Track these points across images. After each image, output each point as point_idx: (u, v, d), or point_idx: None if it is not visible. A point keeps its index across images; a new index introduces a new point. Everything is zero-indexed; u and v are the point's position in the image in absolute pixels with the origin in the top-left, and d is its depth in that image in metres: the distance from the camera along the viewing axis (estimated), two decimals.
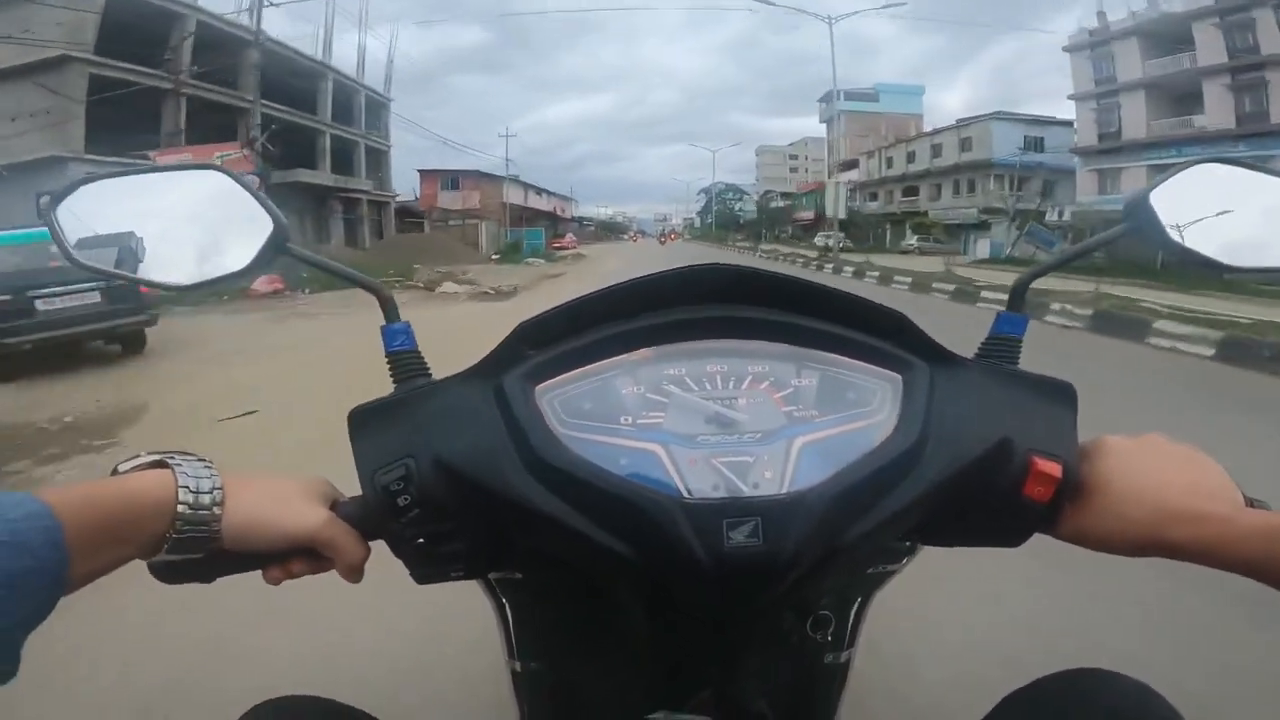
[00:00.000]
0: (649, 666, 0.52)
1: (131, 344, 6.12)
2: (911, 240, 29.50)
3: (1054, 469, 0.44)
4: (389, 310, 0.51)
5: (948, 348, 0.49)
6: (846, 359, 0.49)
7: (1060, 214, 25.32)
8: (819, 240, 47.28)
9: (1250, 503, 0.42)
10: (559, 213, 49.94)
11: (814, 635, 0.52)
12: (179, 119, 16.87)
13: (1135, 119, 24.28)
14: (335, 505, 0.45)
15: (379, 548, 0.45)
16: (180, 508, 0.38)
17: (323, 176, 21.40)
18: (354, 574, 0.44)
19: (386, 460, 0.44)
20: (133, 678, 1.58)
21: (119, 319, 5.79)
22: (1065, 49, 27.15)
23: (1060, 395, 0.48)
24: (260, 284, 10.72)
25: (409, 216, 29.70)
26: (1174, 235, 0.49)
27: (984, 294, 9.43)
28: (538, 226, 39.12)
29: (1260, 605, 0.48)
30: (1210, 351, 5.54)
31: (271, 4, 15.84)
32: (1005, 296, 0.52)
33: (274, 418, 3.91)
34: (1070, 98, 27.03)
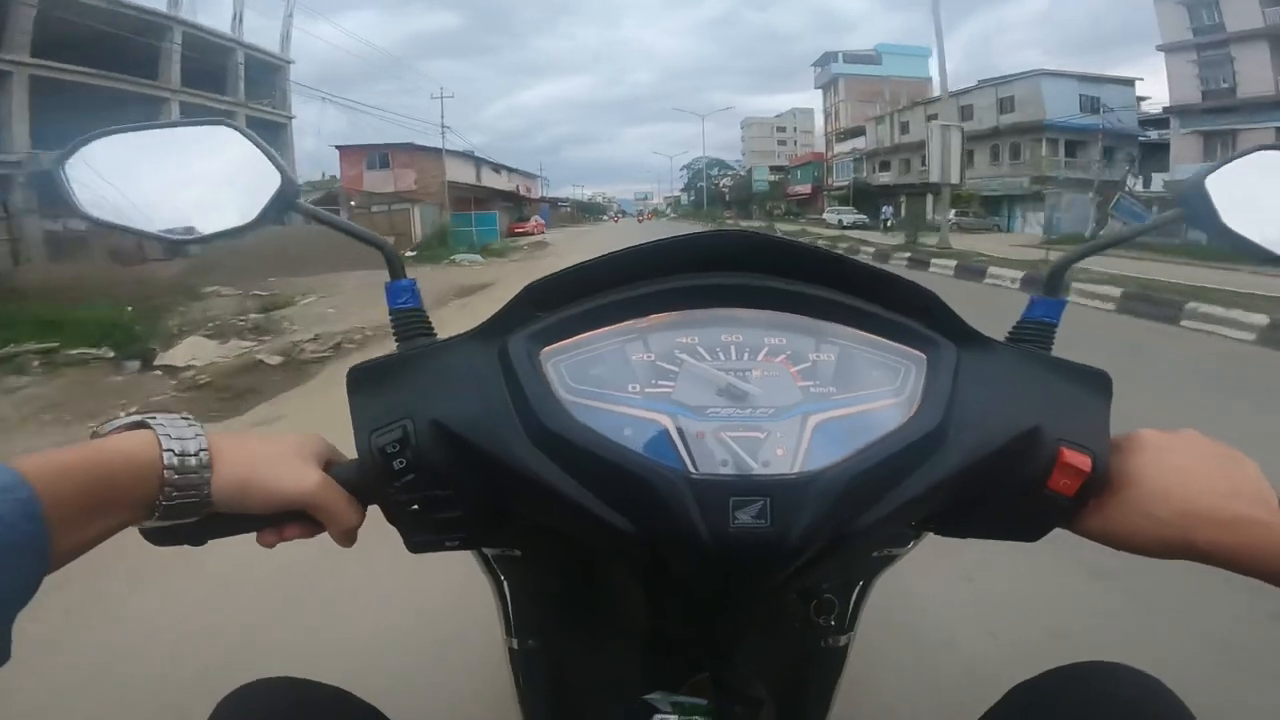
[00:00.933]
0: (646, 647, 0.53)
1: None
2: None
3: (1083, 461, 0.42)
4: (394, 266, 0.51)
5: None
6: (869, 335, 0.48)
7: (1145, 183, 23.38)
8: (829, 216, 38.78)
9: None
10: (523, 192, 41.71)
11: (816, 619, 0.53)
12: None
13: (1256, 73, 21.65)
14: (330, 466, 0.45)
15: (374, 518, 0.45)
16: (167, 472, 0.37)
17: None
18: (346, 539, 0.45)
19: (384, 421, 0.43)
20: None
21: None
22: None
23: (1094, 384, 0.47)
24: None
25: (327, 206, 21.75)
26: (1229, 223, 0.49)
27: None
28: (493, 209, 30.71)
29: (1267, 598, 0.51)
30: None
31: None
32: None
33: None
34: (1160, 48, 24.47)
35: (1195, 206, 0.49)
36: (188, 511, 0.39)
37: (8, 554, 0.31)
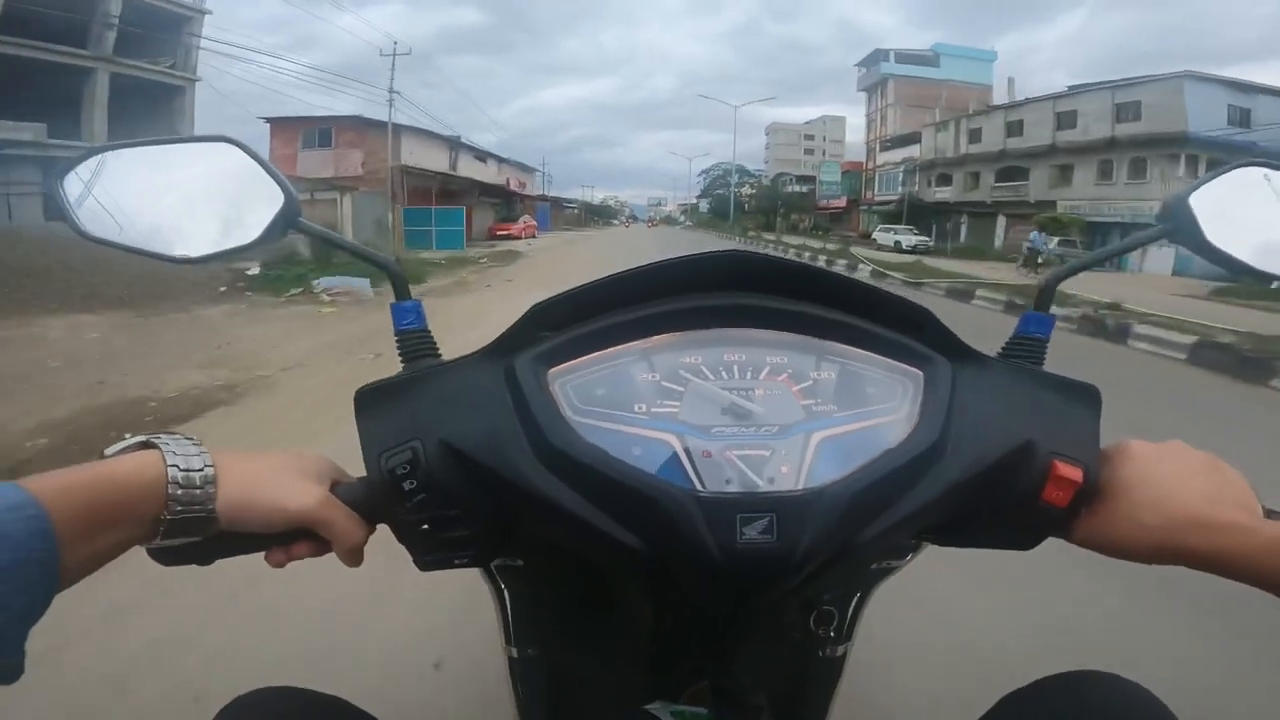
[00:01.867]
0: (646, 657, 0.56)
1: None
2: (1047, 243, 20.56)
3: (1075, 473, 0.45)
4: (399, 287, 0.54)
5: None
6: (867, 353, 0.51)
7: None
8: (881, 236, 30.22)
9: (1270, 514, 0.44)
10: (514, 187, 33.86)
11: (816, 630, 0.56)
12: None
13: None
14: (335, 485, 0.47)
15: (377, 532, 0.48)
16: (171, 488, 0.40)
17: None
18: (352, 557, 0.47)
19: (393, 442, 0.46)
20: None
21: None
22: None
23: (1084, 398, 0.50)
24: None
25: None
26: (1213, 239, 0.50)
27: None
28: (470, 204, 23.41)
29: (1259, 608, 0.55)
30: None
31: None
32: None
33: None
34: None
35: (1179, 223, 0.51)
36: (193, 528, 0.41)
37: (20, 571, 0.32)
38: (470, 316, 7.38)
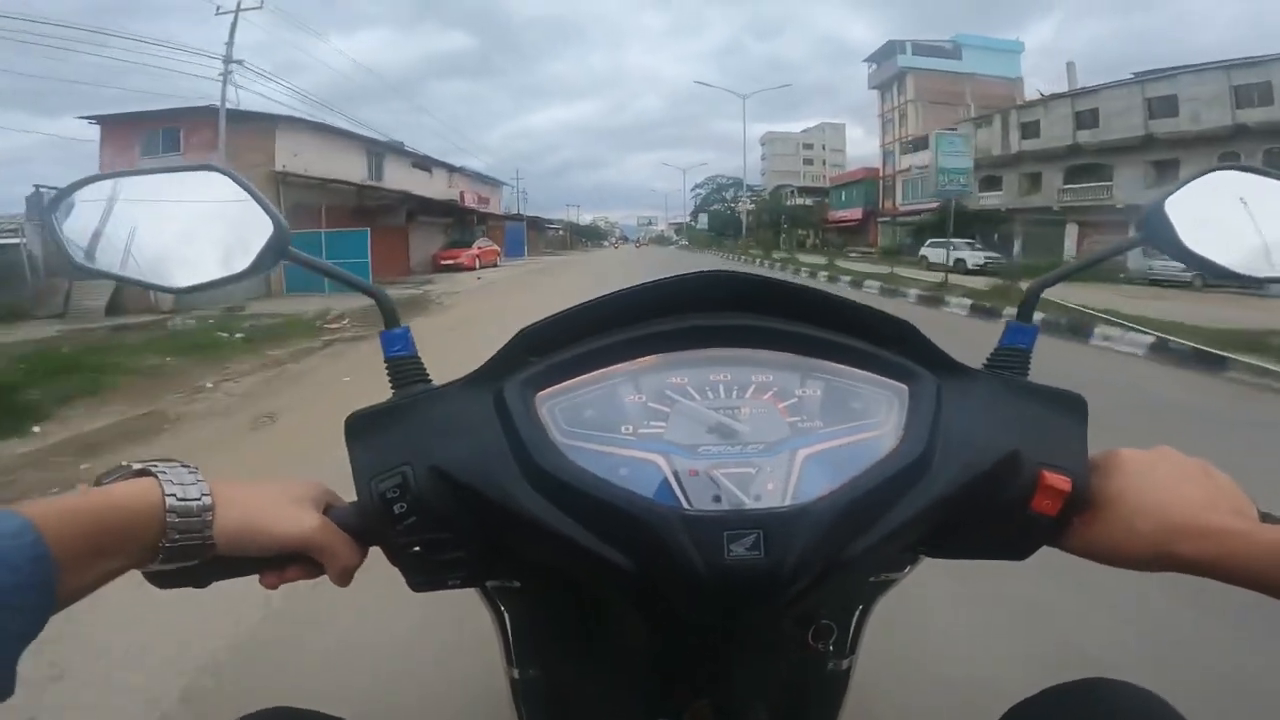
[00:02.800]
0: (647, 675, 0.58)
1: None
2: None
3: (1063, 483, 0.47)
4: (388, 315, 0.57)
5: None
6: (852, 369, 0.54)
7: None
8: (932, 253, 23.06)
9: (1264, 517, 0.46)
10: (473, 203, 27.12)
11: (815, 644, 0.58)
12: None
13: None
14: (330, 510, 0.51)
15: (374, 554, 0.51)
16: (169, 516, 0.42)
17: None
18: (344, 579, 0.51)
19: (384, 467, 0.48)
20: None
21: None
22: None
23: (1071, 407, 0.53)
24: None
25: None
26: (1189, 243, 0.53)
27: None
28: (388, 224, 18.43)
29: (1268, 614, 0.57)
30: None
31: None
32: None
33: None
34: None
35: (1156, 229, 0.54)
36: (189, 555, 0.44)
37: (15, 595, 0.34)
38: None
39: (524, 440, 0.46)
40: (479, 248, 27.40)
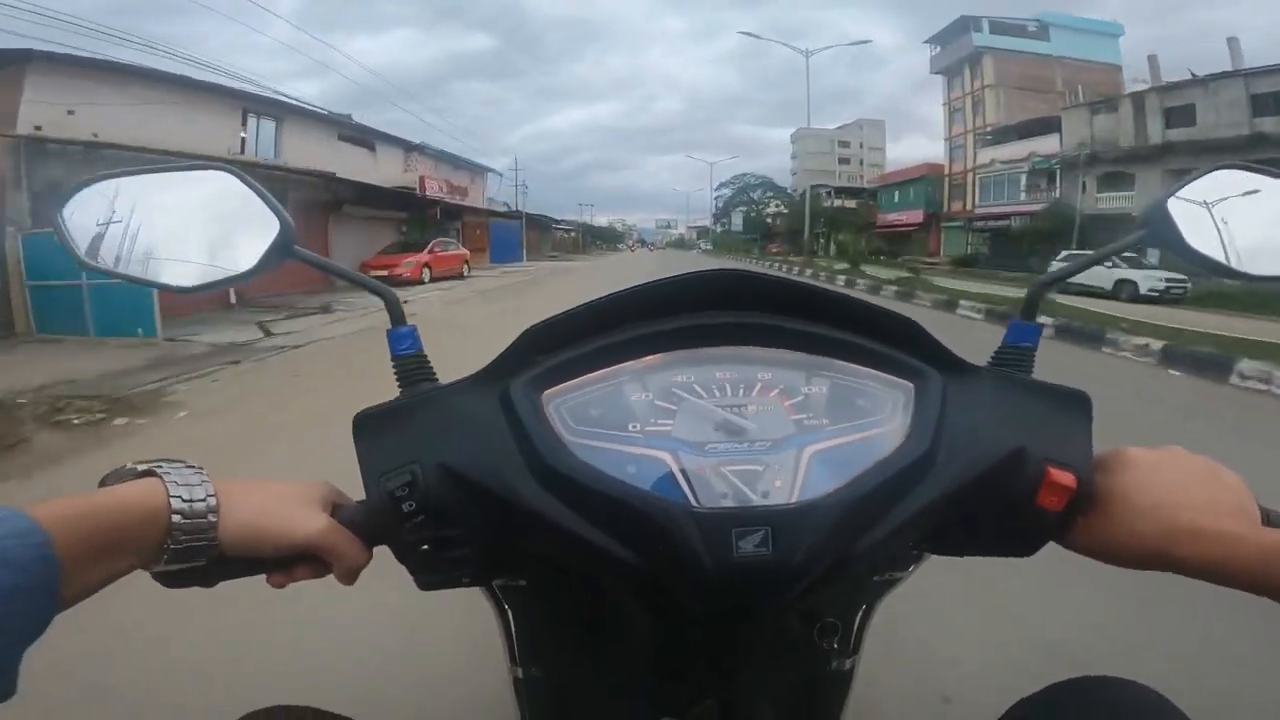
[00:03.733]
0: (652, 674, 0.60)
1: None
2: None
3: (1068, 479, 0.48)
4: (394, 314, 0.60)
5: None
6: (857, 366, 0.56)
7: None
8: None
9: (1267, 516, 0.47)
10: (441, 192, 19.02)
11: (820, 643, 0.60)
12: None
13: None
14: (337, 509, 0.54)
15: (379, 552, 0.55)
16: (175, 517, 0.44)
17: None
18: (350, 578, 0.53)
19: (391, 466, 0.50)
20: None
21: None
22: None
23: (1075, 405, 0.55)
24: None
25: None
26: (1192, 242, 0.55)
27: None
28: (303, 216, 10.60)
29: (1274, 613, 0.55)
30: None
31: None
32: None
33: None
34: None
35: (1159, 227, 0.56)
36: (195, 555, 0.45)
37: (20, 595, 0.35)
38: None
39: (532, 438, 0.47)
40: (433, 252, 19.64)
